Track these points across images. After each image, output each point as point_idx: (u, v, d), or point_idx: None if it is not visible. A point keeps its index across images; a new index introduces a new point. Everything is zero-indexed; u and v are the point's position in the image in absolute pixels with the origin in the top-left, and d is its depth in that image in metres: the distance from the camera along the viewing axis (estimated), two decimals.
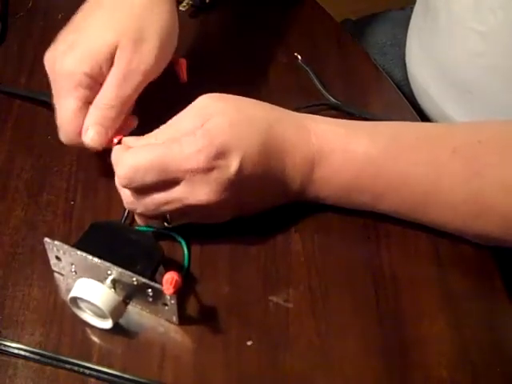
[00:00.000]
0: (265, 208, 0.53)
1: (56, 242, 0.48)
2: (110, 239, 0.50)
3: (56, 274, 0.51)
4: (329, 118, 0.54)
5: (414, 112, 0.64)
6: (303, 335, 0.49)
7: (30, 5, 0.70)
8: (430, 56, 0.68)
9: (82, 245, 0.48)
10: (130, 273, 0.46)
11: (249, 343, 0.48)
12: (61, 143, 0.58)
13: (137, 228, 0.53)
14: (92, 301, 0.46)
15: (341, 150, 0.51)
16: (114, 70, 0.53)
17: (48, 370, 0.47)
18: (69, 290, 0.48)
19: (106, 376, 0.46)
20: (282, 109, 0.53)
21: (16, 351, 0.47)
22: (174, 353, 0.48)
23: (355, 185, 0.52)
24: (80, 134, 0.52)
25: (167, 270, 0.46)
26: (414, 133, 0.53)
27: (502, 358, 0.49)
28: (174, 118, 0.51)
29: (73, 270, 0.49)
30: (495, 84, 0.60)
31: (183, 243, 0.53)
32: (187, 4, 0.72)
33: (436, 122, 0.70)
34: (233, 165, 0.48)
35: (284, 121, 0.52)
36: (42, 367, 0.47)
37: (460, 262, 0.53)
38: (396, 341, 0.49)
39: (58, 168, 0.57)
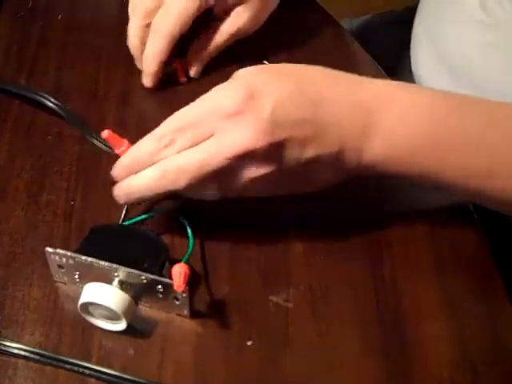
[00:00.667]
0: (316, 181, 0.49)
1: (58, 251, 0.47)
2: (111, 241, 0.50)
3: (59, 284, 0.50)
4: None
5: None
6: (303, 335, 0.49)
7: (30, 5, 0.70)
8: (436, 50, 0.67)
9: (85, 250, 0.48)
10: (138, 271, 0.46)
11: (249, 343, 0.48)
12: (61, 143, 0.59)
13: (135, 218, 0.52)
14: (104, 304, 0.46)
15: (402, 101, 0.48)
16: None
17: (48, 370, 0.47)
18: (75, 299, 0.47)
19: (105, 376, 0.46)
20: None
21: (16, 351, 0.47)
22: (173, 353, 0.48)
23: (419, 141, 0.47)
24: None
25: (172, 262, 0.46)
26: (477, 99, 0.50)
27: (502, 358, 0.49)
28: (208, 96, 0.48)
29: (76, 277, 0.49)
30: (504, 77, 0.59)
31: (187, 224, 0.51)
32: None
33: None
34: (265, 107, 0.45)
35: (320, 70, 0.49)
36: (42, 367, 0.47)
37: (460, 262, 0.53)
38: (396, 341, 0.49)
39: (57, 168, 0.57)
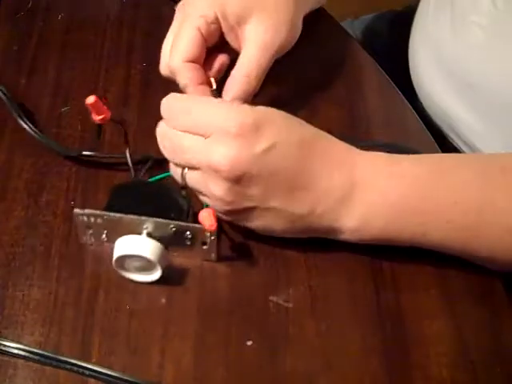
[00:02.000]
0: (290, 230, 0.50)
1: (86, 211, 0.49)
2: (135, 197, 0.51)
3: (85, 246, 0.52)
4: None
5: (415, 112, 0.64)
6: (303, 335, 0.49)
7: (30, 5, 0.70)
8: (434, 52, 0.68)
9: (112, 207, 0.49)
10: (166, 220, 0.48)
11: (249, 343, 0.48)
12: (60, 143, 0.59)
13: (157, 176, 0.54)
14: (140, 254, 0.47)
15: (386, 173, 0.49)
16: (251, 42, 0.55)
17: (48, 370, 0.47)
18: (103, 258, 0.49)
19: (105, 377, 0.46)
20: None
21: (16, 351, 0.47)
22: (174, 353, 0.48)
23: (402, 207, 0.49)
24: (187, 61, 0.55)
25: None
26: (457, 158, 0.52)
27: (502, 358, 0.49)
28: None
29: (104, 236, 0.50)
30: (496, 78, 0.60)
31: None
32: None
33: (437, 119, 0.70)
34: (262, 143, 0.47)
35: (329, 139, 0.51)
36: (42, 367, 0.47)
37: (460, 263, 0.53)
38: (396, 341, 0.49)
39: (57, 168, 0.57)
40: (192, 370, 0.47)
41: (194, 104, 0.50)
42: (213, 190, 0.48)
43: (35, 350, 0.47)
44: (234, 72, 0.56)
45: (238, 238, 0.53)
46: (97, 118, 0.51)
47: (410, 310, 0.50)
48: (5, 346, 0.47)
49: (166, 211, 0.49)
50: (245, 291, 0.51)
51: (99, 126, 0.53)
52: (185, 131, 0.49)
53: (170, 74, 0.56)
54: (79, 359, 0.47)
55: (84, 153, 0.56)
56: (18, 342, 0.47)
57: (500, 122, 0.62)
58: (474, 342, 0.49)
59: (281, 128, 0.48)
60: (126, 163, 0.55)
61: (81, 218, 0.49)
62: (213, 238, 0.49)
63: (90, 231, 0.51)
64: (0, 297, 0.50)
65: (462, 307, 0.51)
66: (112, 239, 0.50)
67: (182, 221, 0.49)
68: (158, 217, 0.48)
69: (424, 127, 0.62)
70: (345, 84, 0.66)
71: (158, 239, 0.48)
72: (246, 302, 0.50)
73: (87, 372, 0.46)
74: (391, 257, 0.53)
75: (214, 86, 0.56)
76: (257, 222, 0.50)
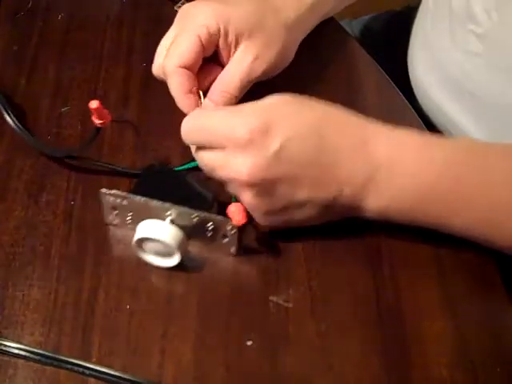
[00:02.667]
0: (317, 217, 0.51)
1: (113, 191, 0.50)
2: (163, 184, 0.53)
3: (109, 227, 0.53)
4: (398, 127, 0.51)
5: (415, 113, 0.64)
6: (303, 335, 0.49)
7: (30, 5, 0.70)
8: (431, 55, 0.68)
9: (138, 191, 0.50)
10: (190, 210, 0.49)
11: (249, 343, 0.48)
12: (60, 143, 0.59)
13: (185, 165, 0.56)
14: (160, 238, 0.48)
15: (415, 157, 0.49)
16: (238, 62, 0.56)
17: (48, 370, 0.47)
18: (124, 239, 0.51)
19: (105, 376, 0.46)
20: (349, 113, 0.51)
21: (16, 351, 0.47)
22: (174, 353, 0.48)
23: (431, 194, 0.49)
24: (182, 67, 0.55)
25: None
26: (486, 146, 0.51)
27: (502, 358, 0.49)
28: (243, 105, 0.51)
29: (128, 218, 0.51)
30: (495, 85, 0.60)
31: None
32: (182, 4, 0.72)
33: (437, 122, 0.70)
34: (273, 144, 0.47)
35: (342, 117, 0.51)
36: (42, 367, 0.47)
37: (460, 263, 0.53)
38: (396, 341, 0.49)
39: (57, 168, 0.57)
40: (192, 370, 0.47)
41: (202, 120, 0.51)
42: (244, 200, 0.49)
43: (35, 350, 0.47)
44: (215, 83, 0.57)
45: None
46: (97, 121, 0.52)
47: (409, 310, 0.50)
48: (5, 345, 0.47)
49: (190, 201, 0.50)
50: (245, 291, 0.51)
51: (97, 129, 0.53)
52: (202, 148, 0.51)
53: (163, 75, 0.56)
54: (79, 359, 0.47)
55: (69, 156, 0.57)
56: (18, 342, 0.47)
57: (498, 127, 0.62)
58: (474, 342, 0.49)
59: (289, 122, 0.48)
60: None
61: (107, 197, 0.50)
62: (233, 231, 0.49)
63: (116, 212, 0.52)
64: (0, 297, 0.50)
65: (462, 307, 0.51)
66: (136, 222, 0.50)
67: (205, 212, 0.49)
68: (183, 205, 0.49)
69: (424, 127, 0.62)
70: (345, 84, 0.66)
71: (181, 227, 0.49)
72: (246, 301, 0.50)
73: (87, 371, 0.46)
74: (391, 257, 0.53)
75: (202, 100, 0.56)
76: (296, 217, 0.51)
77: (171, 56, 0.55)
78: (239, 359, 0.48)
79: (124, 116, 0.61)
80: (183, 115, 0.53)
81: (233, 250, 0.51)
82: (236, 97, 0.56)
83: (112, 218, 0.52)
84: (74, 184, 0.56)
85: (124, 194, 0.50)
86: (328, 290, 0.51)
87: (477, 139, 0.53)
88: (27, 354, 0.47)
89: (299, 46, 0.62)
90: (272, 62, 0.58)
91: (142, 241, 0.49)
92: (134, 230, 0.50)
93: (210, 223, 0.49)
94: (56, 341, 0.48)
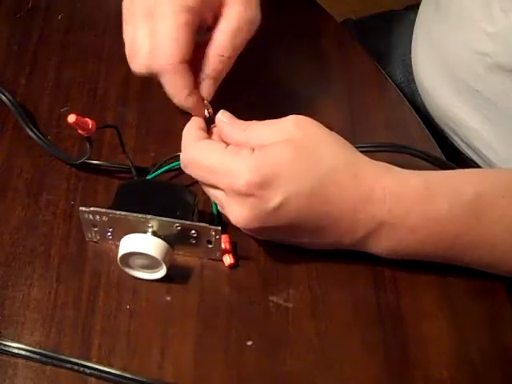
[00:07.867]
0: (328, 248, 0.51)
1: (92, 209, 0.49)
2: (140, 196, 0.52)
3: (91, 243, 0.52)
4: (405, 171, 0.50)
5: (415, 113, 0.64)
6: (303, 335, 0.49)
7: (30, 5, 0.70)
8: (437, 54, 0.67)
9: (117, 206, 0.50)
10: (171, 219, 0.48)
11: (249, 343, 0.48)
12: (61, 143, 0.59)
13: (156, 172, 0.55)
14: (144, 251, 0.48)
15: (419, 212, 0.48)
16: (226, 21, 0.53)
17: (48, 369, 0.47)
18: (103, 258, 0.50)
19: (106, 375, 0.46)
20: (359, 156, 0.50)
21: (16, 351, 0.47)
22: (173, 353, 0.48)
23: (431, 244, 0.49)
24: (176, 58, 0.51)
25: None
26: (500, 190, 0.49)
27: (502, 358, 0.49)
28: (257, 126, 0.50)
29: (109, 234, 0.51)
30: (504, 85, 0.60)
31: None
32: None
33: (440, 121, 0.70)
34: (273, 200, 0.46)
35: (348, 171, 0.48)
36: (42, 367, 0.47)
37: None
38: (396, 341, 0.49)
39: (57, 168, 0.57)
40: (192, 370, 0.47)
41: (202, 159, 0.49)
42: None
43: (35, 350, 0.47)
44: (207, 50, 0.53)
45: (238, 239, 0.53)
46: (83, 133, 0.52)
47: (410, 310, 0.50)
48: (5, 345, 0.47)
49: (171, 210, 0.49)
50: (245, 291, 0.51)
51: (88, 139, 0.53)
52: (201, 182, 0.51)
53: (148, 74, 0.53)
54: (79, 359, 0.46)
55: (86, 161, 0.56)
56: (18, 342, 0.47)
57: (505, 126, 0.62)
58: (474, 342, 0.49)
59: (290, 179, 0.47)
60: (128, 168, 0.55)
61: (86, 215, 0.50)
62: (218, 237, 0.49)
63: (96, 229, 0.51)
64: (0, 297, 0.50)
65: (462, 307, 0.51)
66: (117, 237, 0.50)
67: (187, 220, 0.49)
68: (164, 215, 0.48)
69: (424, 127, 0.62)
70: (345, 84, 0.66)
71: (163, 238, 0.49)
72: (246, 302, 0.50)
73: (88, 371, 0.46)
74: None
75: (209, 110, 0.54)
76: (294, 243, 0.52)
77: (162, 53, 0.51)
78: (239, 359, 0.48)
79: (124, 116, 0.61)
80: (183, 115, 0.53)
81: (218, 254, 0.51)
82: (230, 60, 0.53)
83: (92, 235, 0.52)
84: (74, 184, 0.56)
85: (103, 210, 0.49)
86: (328, 290, 0.51)
87: (485, 177, 0.52)
88: (27, 354, 0.47)
89: (299, 45, 0.62)
90: (259, 14, 0.55)
91: (127, 257, 0.49)
92: (115, 245, 0.49)
93: (193, 231, 0.49)
94: (56, 341, 0.48)
